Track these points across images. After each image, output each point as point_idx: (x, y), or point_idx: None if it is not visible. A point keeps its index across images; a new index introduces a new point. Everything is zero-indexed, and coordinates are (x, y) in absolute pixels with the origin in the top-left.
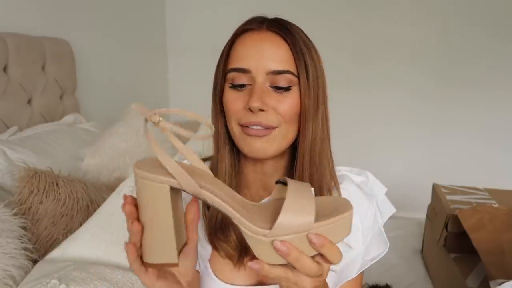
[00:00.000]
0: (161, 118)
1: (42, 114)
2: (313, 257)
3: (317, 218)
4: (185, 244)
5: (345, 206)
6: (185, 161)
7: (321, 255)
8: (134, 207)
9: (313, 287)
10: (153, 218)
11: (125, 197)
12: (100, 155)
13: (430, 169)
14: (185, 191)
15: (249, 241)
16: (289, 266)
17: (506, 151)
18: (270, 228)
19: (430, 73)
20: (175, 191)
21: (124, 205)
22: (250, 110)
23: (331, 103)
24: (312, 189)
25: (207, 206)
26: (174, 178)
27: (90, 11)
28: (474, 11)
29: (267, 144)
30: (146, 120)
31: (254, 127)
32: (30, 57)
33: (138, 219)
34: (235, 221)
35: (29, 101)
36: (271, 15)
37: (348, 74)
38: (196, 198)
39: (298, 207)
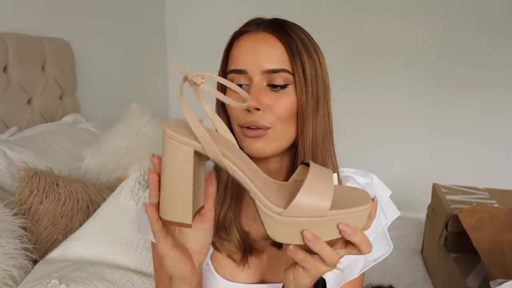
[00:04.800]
0: (203, 80)
1: (42, 114)
2: (332, 245)
3: (333, 207)
4: (201, 207)
5: (364, 199)
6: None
7: (346, 242)
8: (159, 162)
9: (324, 272)
10: (174, 177)
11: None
12: (100, 155)
13: (430, 169)
14: (207, 156)
15: (262, 217)
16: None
17: (506, 151)
18: (286, 207)
19: (429, 74)
20: (199, 157)
21: (153, 156)
22: (248, 109)
23: (331, 104)
24: (335, 175)
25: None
26: (199, 142)
27: (90, 11)
28: (473, 12)
29: (265, 144)
30: (184, 81)
31: (252, 127)
32: (30, 57)
33: (159, 175)
34: (251, 195)
35: (29, 101)
36: (270, 16)
37: (348, 76)
38: (215, 168)
39: (316, 191)
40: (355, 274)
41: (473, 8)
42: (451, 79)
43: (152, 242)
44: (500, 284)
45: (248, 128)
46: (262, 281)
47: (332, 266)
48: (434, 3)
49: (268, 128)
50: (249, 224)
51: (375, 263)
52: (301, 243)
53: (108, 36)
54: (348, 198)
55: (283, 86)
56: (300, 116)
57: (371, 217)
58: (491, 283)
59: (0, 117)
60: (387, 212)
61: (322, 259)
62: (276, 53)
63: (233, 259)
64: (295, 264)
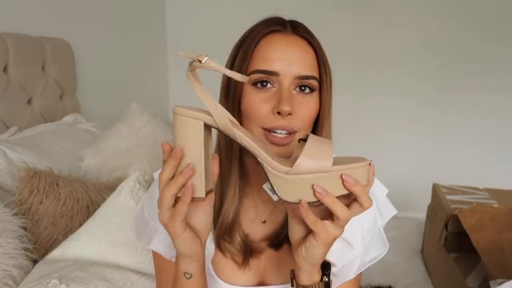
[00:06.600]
0: (207, 57)
1: (42, 114)
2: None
3: (335, 164)
4: (210, 190)
5: (362, 159)
6: None
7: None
8: (170, 148)
9: (335, 237)
10: (186, 152)
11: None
12: (100, 155)
13: (429, 170)
14: (217, 128)
15: (271, 178)
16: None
17: (505, 152)
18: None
19: (428, 78)
20: (207, 133)
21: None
22: (278, 113)
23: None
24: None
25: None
26: (209, 114)
27: (90, 11)
28: (472, 16)
29: (288, 150)
30: (191, 63)
31: (278, 131)
32: (30, 57)
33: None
34: (259, 159)
35: (29, 101)
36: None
37: (348, 80)
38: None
39: (318, 151)
40: (351, 275)
41: (472, 13)
42: (450, 82)
43: (153, 251)
44: (500, 284)
45: (274, 132)
46: (261, 283)
47: (345, 221)
48: (434, 8)
49: (295, 132)
50: (248, 227)
51: (371, 263)
52: (312, 199)
53: (108, 36)
54: (347, 160)
55: (310, 92)
56: (320, 122)
57: (370, 181)
58: (491, 283)
59: (0, 117)
60: (384, 211)
61: (335, 215)
62: (307, 58)
63: (235, 262)
64: (304, 238)
